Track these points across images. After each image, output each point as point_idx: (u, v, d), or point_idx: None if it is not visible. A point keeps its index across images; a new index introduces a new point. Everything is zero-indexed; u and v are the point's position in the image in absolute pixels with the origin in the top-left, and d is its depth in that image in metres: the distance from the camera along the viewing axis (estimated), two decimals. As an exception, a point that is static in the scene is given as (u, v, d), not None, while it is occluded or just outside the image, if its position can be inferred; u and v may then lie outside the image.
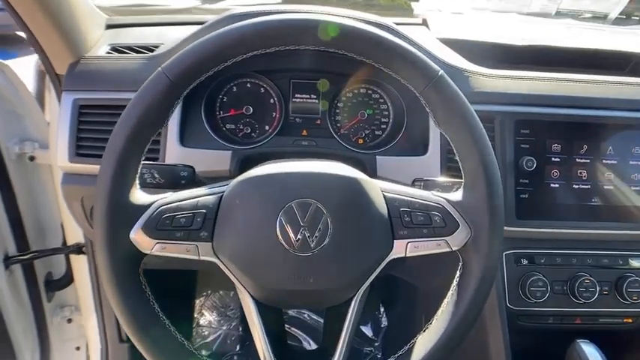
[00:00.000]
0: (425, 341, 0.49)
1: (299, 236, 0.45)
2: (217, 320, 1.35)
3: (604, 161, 0.72)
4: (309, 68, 0.73)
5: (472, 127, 0.47)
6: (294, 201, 0.46)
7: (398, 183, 0.52)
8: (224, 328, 1.34)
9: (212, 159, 0.68)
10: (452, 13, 1.03)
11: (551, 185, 0.71)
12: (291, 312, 1.30)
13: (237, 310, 1.35)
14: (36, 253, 0.93)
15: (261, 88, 0.75)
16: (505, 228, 0.49)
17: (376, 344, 1.31)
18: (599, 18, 1.16)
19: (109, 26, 0.81)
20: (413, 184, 0.60)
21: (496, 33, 0.88)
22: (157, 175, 0.54)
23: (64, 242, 0.99)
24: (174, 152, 0.67)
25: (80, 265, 0.98)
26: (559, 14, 1.15)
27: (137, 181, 0.46)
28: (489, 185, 0.47)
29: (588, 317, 0.75)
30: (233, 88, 0.75)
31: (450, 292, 0.50)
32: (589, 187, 0.72)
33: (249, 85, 0.75)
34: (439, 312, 0.50)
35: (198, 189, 0.48)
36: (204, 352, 0.46)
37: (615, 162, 0.72)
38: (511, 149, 0.70)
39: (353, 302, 0.49)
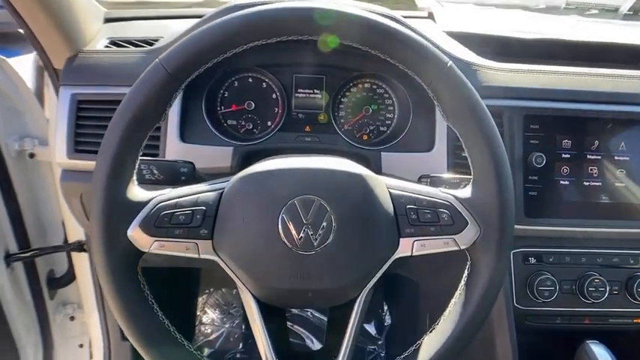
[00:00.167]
0: (431, 342, 0.48)
1: (302, 234, 0.44)
2: (220, 318, 1.34)
3: (616, 158, 0.70)
4: (312, 62, 0.71)
5: (482, 121, 0.45)
6: (297, 198, 0.45)
7: (404, 180, 0.50)
8: (227, 326, 1.33)
9: (213, 155, 0.67)
10: (457, 6, 1.00)
11: (561, 182, 0.69)
12: (294, 310, 1.29)
13: (239, 308, 1.34)
14: (37, 250, 0.93)
15: (264, 83, 0.74)
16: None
17: (379, 342, 1.30)
18: (610, 12, 1.13)
19: (108, 20, 0.80)
20: (419, 181, 0.59)
21: (503, 26, 0.86)
22: (156, 172, 0.53)
23: (66, 240, 0.98)
24: (174, 148, 0.66)
25: (82, 262, 0.98)
26: (567, 10, 1.12)
27: (134, 177, 0.45)
28: (499, 181, 0.45)
29: (597, 317, 0.74)
30: (234, 82, 0.73)
31: (457, 293, 0.49)
32: (600, 184, 0.70)
33: (250, 80, 0.73)
34: (446, 313, 0.49)
35: (198, 185, 0.47)
36: (206, 351, 0.45)
37: (627, 158, 0.70)
38: (520, 145, 0.68)
39: (357, 302, 0.48)
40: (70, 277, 1.02)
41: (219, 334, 1.31)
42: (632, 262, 0.73)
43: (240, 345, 1.30)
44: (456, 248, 0.47)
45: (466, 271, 0.49)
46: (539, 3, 1.13)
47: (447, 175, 0.58)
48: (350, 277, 0.46)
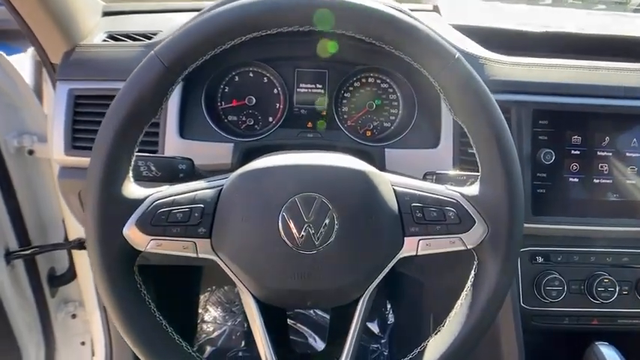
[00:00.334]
0: (437, 345, 0.47)
1: (303, 233, 0.43)
2: (222, 316, 1.34)
3: (627, 154, 0.69)
4: (314, 56, 0.70)
5: (491, 115, 0.43)
6: (298, 195, 0.43)
7: (408, 177, 0.49)
8: (229, 324, 1.32)
9: (213, 152, 0.66)
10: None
11: (570, 179, 0.68)
12: (297, 308, 1.28)
13: (242, 306, 1.33)
14: (37, 248, 0.92)
15: (265, 78, 0.72)
16: None
17: (383, 341, 1.29)
18: (619, 4, 1.11)
19: (106, 13, 0.79)
20: (424, 178, 0.57)
21: (510, 19, 0.84)
22: (153, 168, 0.52)
23: (66, 237, 0.98)
24: (173, 144, 0.65)
25: (83, 260, 0.97)
26: (573, 4, 1.10)
27: (130, 174, 0.44)
28: (509, 178, 0.43)
29: (606, 318, 0.73)
30: (235, 77, 0.72)
31: (463, 294, 0.47)
32: (610, 181, 0.68)
33: (251, 75, 0.72)
34: (452, 314, 0.47)
35: (196, 182, 0.46)
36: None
37: (639, 155, 0.68)
38: (528, 141, 0.67)
39: (360, 303, 0.46)
40: (71, 274, 1.01)
41: (221, 331, 1.31)
42: (642, 261, 0.72)
43: (243, 343, 1.29)
44: (462, 248, 0.45)
45: (473, 271, 0.47)
46: (546, -1, 1.11)
47: (454, 172, 0.57)
48: (352, 277, 0.45)
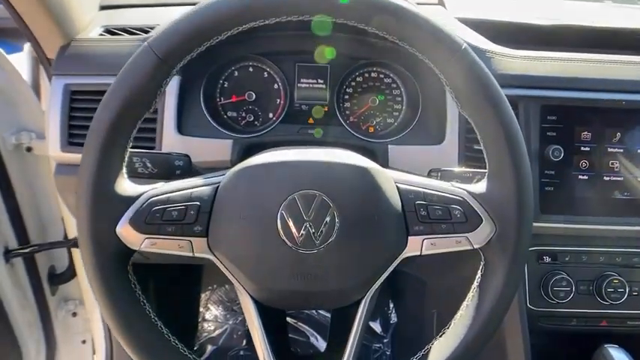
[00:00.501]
0: (441, 348, 0.45)
1: (302, 232, 0.41)
2: (223, 315, 1.33)
3: (639, 151, 0.66)
4: (315, 51, 0.68)
5: (499, 109, 0.41)
6: (297, 192, 0.42)
7: (412, 174, 0.47)
8: (230, 322, 1.32)
9: (211, 148, 0.65)
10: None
11: (580, 177, 0.66)
12: (298, 307, 1.27)
13: (243, 305, 1.32)
14: (36, 246, 0.92)
15: (265, 73, 0.71)
16: None
17: (385, 341, 1.27)
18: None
19: (103, 7, 0.78)
20: (429, 175, 0.56)
21: (518, 12, 0.81)
22: (149, 165, 0.50)
23: (66, 235, 0.97)
24: (170, 141, 0.64)
25: (82, 258, 0.96)
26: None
27: (124, 171, 0.43)
28: (518, 174, 0.42)
29: (616, 320, 0.71)
30: (234, 72, 0.71)
31: (469, 295, 0.46)
32: (621, 179, 0.67)
33: (251, 70, 0.71)
34: (457, 316, 0.46)
35: (192, 179, 0.44)
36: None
37: None
38: (536, 137, 0.65)
39: (362, 304, 0.45)
40: (71, 273, 1.01)
41: (222, 330, 1.30)
42: (653, 261, 0.70)
43: (244, 342, 1.28)
44: (469, 247, 0.44)
45: (479, 272, 0.45)
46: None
47: (459, 169, 0.55)
48: (354, 277, 0.43)
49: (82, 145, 0.65)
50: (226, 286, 1.36)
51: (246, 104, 0.71)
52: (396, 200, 0.43)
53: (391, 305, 1.31)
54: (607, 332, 0.71)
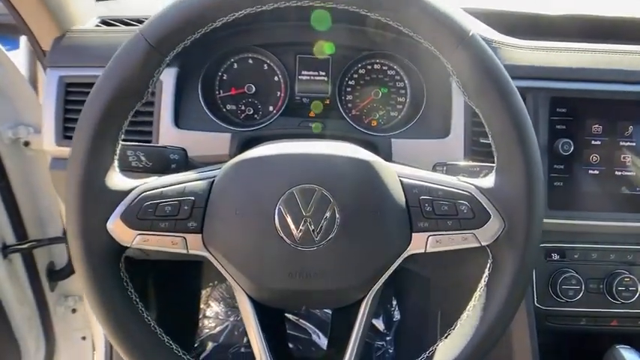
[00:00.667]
0: (447, 350, 0.43)
1: (301, 228, 0.40)
2: (224, 311, 1.32)
3: None
4: (316, 42, 0.66)
5: (509, 99, 0.39)
6: (296, 187, 0.40)
7: (417, 168, 0.45)
8: (231, 319, 1.31)
9: (210, 142, 0.63)
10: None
11: (590, 172, 0.64)
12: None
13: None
14: (34, 242, 0.91)
15: (265, 65, 0.69)
16: None
17: (388, 338, 1.26)
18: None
19: (100, -2, 0.76)
20: (434, 169, 0.54)
21: (525, 2, 0.79)
22: (143, 158, 0.49)
23: (64, 231, 0.96)
24: (168, 134, 0.62)
25: (81, 254, 0.95)
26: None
27: (115, 164, 0.41)
28: (528, 168, 0.40)
29: (627, 319, 0.69)
30: (233, 64, 0.69)
31: (476, 294, 0.44)
32: (633, 173, 0.65)
33: (251, 61, 0.69)
34: (464, 316, 0.44)
35: (186, 173, 0.43)
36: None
37: None
38: (545, 130, 0.63)
39: (364, 304, 0.43)
40: (70, 268, 1.00)
41: (223, 327, 1.29)
42: (666, 259, 0.68)
43: (245, 339, 1.27)
44: (476, 245, 0.42)
45: (487, 270, 0.43)
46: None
47: (466, 163, 0.53)
48: (355, 276, 0.41)
49: (76, 138, 0.64)
50: (227, 283, 1.34)
51: (246, 97, 0.69)
52: (399, 195, 0.42)
53: (394, 302, 1.29)
54: (618, 332, 0.69)
